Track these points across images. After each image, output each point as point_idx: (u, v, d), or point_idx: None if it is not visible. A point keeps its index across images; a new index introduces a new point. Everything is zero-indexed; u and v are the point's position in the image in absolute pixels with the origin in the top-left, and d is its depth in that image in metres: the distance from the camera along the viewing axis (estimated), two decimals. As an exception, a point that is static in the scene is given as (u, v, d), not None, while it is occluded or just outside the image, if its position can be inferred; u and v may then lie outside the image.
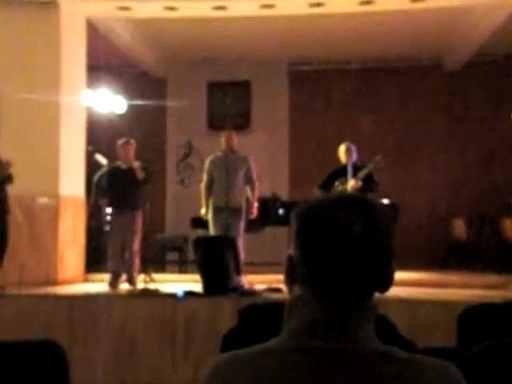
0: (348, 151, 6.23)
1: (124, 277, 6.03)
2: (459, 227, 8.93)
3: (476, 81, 9.62)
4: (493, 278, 6.45)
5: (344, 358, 0.89)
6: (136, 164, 5.96)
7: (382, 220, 0.93)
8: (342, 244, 0.90)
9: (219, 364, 0.94)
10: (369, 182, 6.07)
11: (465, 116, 9.71)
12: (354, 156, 6.24)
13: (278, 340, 0.94)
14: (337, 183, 6.16)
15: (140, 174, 5.91)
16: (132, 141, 6.15)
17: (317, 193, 6.12)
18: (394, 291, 1.04)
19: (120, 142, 6.13)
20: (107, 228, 6.10)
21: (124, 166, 6.03)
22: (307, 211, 0.95)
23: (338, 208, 0.92)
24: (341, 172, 6.20)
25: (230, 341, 1.91)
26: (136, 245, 5.95)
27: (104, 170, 6.20)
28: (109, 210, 6.10)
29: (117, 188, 5.93)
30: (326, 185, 6.19)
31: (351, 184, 6.06)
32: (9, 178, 5.57)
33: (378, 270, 0.92)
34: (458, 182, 9.59)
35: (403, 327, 1.97)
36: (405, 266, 6.88)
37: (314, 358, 0.89)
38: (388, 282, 0.95)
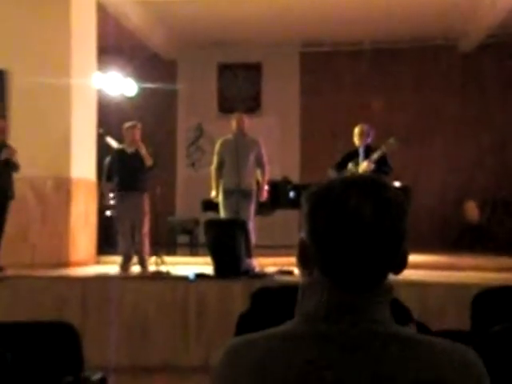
0: (361, 134, 6.15)
1: (135, 259, 6.06)
2: (472, 210, 8.87)
3: (490, 62, 9.48)
4: (505, 261, 6.42)
5: (360, 341, 0.88)
6: (143, 150, 5.94)
7: (394, 201, 0.91)
8: (353, 226, 0.89)
9: (233, 347, 0.94)
10: (382, 166, 5.99)
11: (478, 98, 9.58)
12: (369, 138, 6.14)
13: (292, 323, 0.93)
14: (350, 165, 6.11)
15: (149, 161, 5.92)
16: (138, 124, 6.13)
17: (331, 174, 6.08)
18: (406, 274, 1.02)
19: (126, 125, 6.11)
20: (114, 212, 6.11)
21: (130, 150, 6.02)
22: (318, 194, 0.93)
23: (349, 189, 0.91)
24: (355, 154, 6.14)
25: (244, 324, 1.91)
26: (145, 227, 5.98)
27: (115, 153, 6.23)
28: (111, 194, 6.09)
29: (123, 171, 5.95)
30: (341, 166, 6.14)
31: (363, 166, 6.01)
32: (14, 166, 5.57)
33: (391, 251, 0.91)
34: (471, 165, 9.51)
35: (415, 310, 1.96)
36: (417, 249, 6.85)
37: (329, 341, 0.89)
38: (402, 263, 0.93)
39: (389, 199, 0.91)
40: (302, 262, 0.96)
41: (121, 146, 6.13)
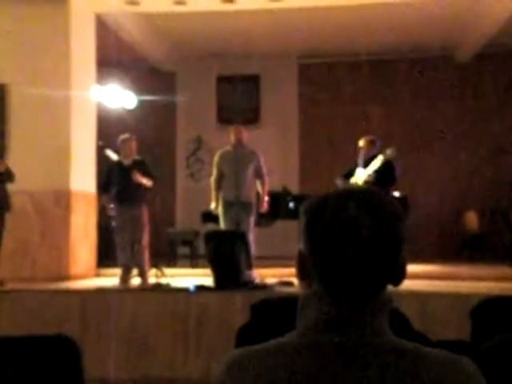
0: (361, 147, 6.14)
1: (135, 271, 6.05)
2: (471, 219, 8.88)
3: (487, 72, 9.53)
4: (505, 270, 6.41)
5: (358, 353, 0.88)
6: (139, 178, 5.91)
7: (390, 212, 0.92)
8: (350, 238, 0.89)
9: (233, 360, 0.94)
10: (384, 176, 5.92)
11: (476, 107, 9.62)
12: (371, 150, 6.09)
13: (292, 336, 0.93)
14: (360, 169, 6.05)
15: (147, 183, 5.95)
16: (133, 136, 6.17)
17: (339, 183, 6.09)
18: (406, 284, 1.03)
19: (121, 137, 6.16)
20: (113, 224, 6.12)
21: (126, 162, 6.05)
22: (315, 206, 0.94)
23: (346, 202, 0.91)
24: (364, 164, 6.09)
25: (244, 336, 1.91)
26: (145, 239, 5.98)
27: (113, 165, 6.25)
28: (111, 205, 6.11)
29: (120, 184, 5.97)
30: (347, 176, 6.14)
31: (364, 177, 5.96)
32: (8, 176, 5.54)
33: (388, 262, 0.91)
34: (470, 174, 9.52)
35: (415, 320, 1.96)
36: (417, 259, 6.86)
37: (328, 353, 0.89)
38: (400, 275, 0.94)
39: (385, 210, 0.92)
40: (301, 274, 0.96)
41: (118, 159, 6.15)
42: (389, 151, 5.96)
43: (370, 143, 6.12)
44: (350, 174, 6.13)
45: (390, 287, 0.95)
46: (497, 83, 9.50)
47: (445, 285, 5.58)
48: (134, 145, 6.12)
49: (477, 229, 8.79)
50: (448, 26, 8.39)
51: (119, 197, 6.00)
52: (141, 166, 6.02)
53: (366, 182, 5.85)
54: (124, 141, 6.11)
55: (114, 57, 8.25)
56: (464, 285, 5.58)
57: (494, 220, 8.83)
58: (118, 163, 6.10)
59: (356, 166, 6.14)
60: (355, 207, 0.91)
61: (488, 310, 2.09)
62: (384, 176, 5.87)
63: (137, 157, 6.12)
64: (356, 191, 0.96)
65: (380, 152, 6.04)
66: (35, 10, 6.57)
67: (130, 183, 5.91)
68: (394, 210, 0.93)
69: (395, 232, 0.92)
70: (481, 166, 9.54)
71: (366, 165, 6.04)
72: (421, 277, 5.78)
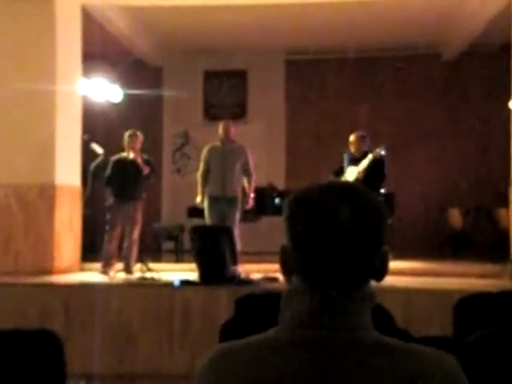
0: (351, 142, 6.16)
1: (121, 265, 6.05)
2: (455, 217, 8.96)
3: (473, 70, 9.60)
4: (488, 267, 6.48)
5: (341, 348, 0.89)
6: (139, 160, 6.01)
7: (371, 205, 0.93)
8: (330, 231, 0.90)
9: (215, 355, 0.94)
10: (374, 173, 5.91)
11: (461, 105, 9.70)
12: (361, 146, 6.10)
13: (275, 331, 0.94)
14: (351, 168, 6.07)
15: (145, 170, 6.02)
16: (139, 133, 6.27)
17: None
18: (389, 280, 1.04)
19: (127, 133, 6.25)
20: (107, 216, 6.15)
21: (129, 158, 6.08)
22: (295, 200, 0.95)
23: (326, 195, 0.92)
24: (354, 161, 6.10)
25: (228, 331, 1.92)
26: (135, 234, 6.04)
27: (100, 159, 6.25)
28: (110, 200, 6.16)
29: (120, 179, 6.05)
30: (338, 173, 6.16)
31: (355, 174, 5.99)
32: None
33: (369, 254, 0.92)
34: (454, 172, 9.60)
35: (399, 316, 1.98)
36: (401, 256, 6.90)
37: (311, 348, 0.89)
38: (382, 270, 0.95)
39: (366, 204, 0.92)
40: (284, 269, 0.97)
41: (121, 154, 6.20)
42: (379, 149, 5.99)
43: (361, 138, 6.15)
44: (341, 171, 6.15)
45: (373, 283, 0.96)
46: (482, 81, 9.57)
47: (428, 281, 5.63)
48: (138, 142, 6.17)
49: (460, 226, 8.87)
50: (433, 25, 8.43)
51: (117, 191, 6.05)
52: (146, 162, 6.09)
53: (356, 180, 5.87)
54: (128, 137, 6.16)
55: (101, 50, 8.18)
56: (447, 281, 5.63)
57: (478, 217, 8.91)
58: (121, 158, 6.14)
59: (345, 162, 6.17)
60: (336, 200, 0.91)
61: (470, 306, 2.12)
62: (373, 174, 5.91)
63: (144, 156, 6.17)
64: (337, 184, 0.97)
65: (370, 149, 6.07)
66: (20, 1, 6.49)
67: (129, 179, 5.96)
68: (375, 204, 0.94)
69: (376, 225, 0.92)
70: (465, 163, 9.62)
71: (356, 161, 6.06)
72: (404, 273, 5.83)
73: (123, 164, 6.08)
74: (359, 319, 0.92)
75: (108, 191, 6.28)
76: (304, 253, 0.92)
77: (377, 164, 5.95)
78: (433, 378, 0.87)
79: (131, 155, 6.07)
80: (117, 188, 6.08)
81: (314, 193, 0.94)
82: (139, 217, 6.07)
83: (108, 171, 6.24)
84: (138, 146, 6.16)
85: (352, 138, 6.18)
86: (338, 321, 0.91)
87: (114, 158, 6.26)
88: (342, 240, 0.90)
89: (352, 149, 6.16)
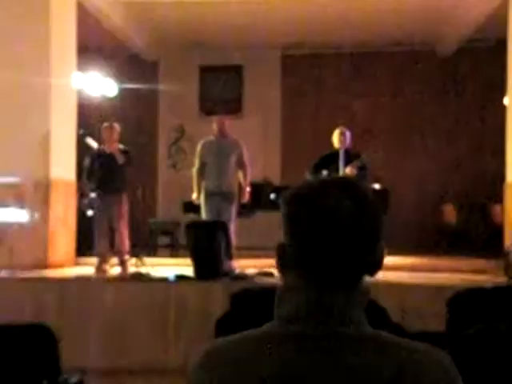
0: (341, 136, 6.20)
1: (115, 260, 6.03)
2: (449, 212, 8.98)
3: (468, 66, 9.62)
4: (482, 263, 6.50)
5: (335, 343, 0.90)
6: (116, 148, 5.93)
7: (370, 201, 0.94)
8: (330, 226, 0.90)
9: (210, 350, 0.94)
10: (362, 170, 6.06)
11: (457, 101, 9.71)
12: (348, 142, 6.23)
13: (270, 326, 0.94)
14: (324, 172, 6.13)
15: (120, 159, 5.89)
16: (116, 125, 6.11)
17: (308, 177, 6.11)
18: (384, 275, 1.04)
19: (104, 125, 6.11)
20: (92, 212, 6.09)
21: (108, 150, 6.00)
22: (294, 196, 0.95)
23: (325, 191, 0.93)
24: (334, 157, 6.18)
25: (223, 326, 1.92)
26: (124, 228, 5.96)
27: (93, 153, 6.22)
28: (92, 194, 6.07)
29: (101, 172, 5.93)
30: (318, 167, 6.17)
31: (347, 171, 6.03)
32: None
33: (367, 251, 0.93)
34: (449, 168, 9.63)
35: (393, 311, 1.99)
36: (395, 251, 6.91)
37: (306, 342, 0.90)
38: (377, 264, 0.95)
39: (366, 199, 0.93)
40: (281, 266, 0.97)
41: (100, 147, 6.11)
42: (364, 159, 6.09)
43: (340, 135, 6.20)
44: (320, 166, 6.17)
45: (367, 278, 0.96)
46: (478, 78, 9.58)
47: (422, 276, 5.65)
48: (115, 134, 6.06)
49: (455, 222, 8.90)
50: (429, 21, 8.43)
51: (100, 185, 5.97)
52: (123, 152, 5.97)
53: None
54: (105, 129, 6.06)
55: (96, 44, 8.16)
56: (441, 276, 5.66)
57: (472, 213, 8.94)
58: (100, 151, 6.05)
59: (327, 158, 6.21)
60: (335, 195, 0.92)
61: (463, 301, 2.13)
62: (361, 169, 6.05)
63: (121, 146, 6.06)
64: (335, 180, 0.97)
65: (354, 147, 6.19)
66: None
67: (111, 172, 5.88)
68: (373, 199, 0.95)
69: (374, 221, 0.93)
70: (460, 159, 9.64)
71: (345, 159, 6.12)
72: (399, 268, 5.85)
73: (102, 157, 5.97)
74: (354, 314, 0.92)
75: (88, 186, 6.18)
76: (304, 249, 0.92)
77: (362, 170, 6.08)
78: (425, 373, 0.88)
79: (108, 148, 5.95)
80: (98, 182, 5.96)
81: (313, 189, 0.94)
82: (125, 209, 5.96)
83: (87, 165, 6.12)
84: (115, 137, 6.02)
85: (337, 132, 6.25)
86: (334, 316, 0.91)
87: (92, 151, 6.15)
88: (342, 235, 0.91)
89: (337, 144, 6.21)
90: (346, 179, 0.98)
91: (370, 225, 0.92)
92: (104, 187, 5.92)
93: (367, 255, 0.93)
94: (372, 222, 0.93)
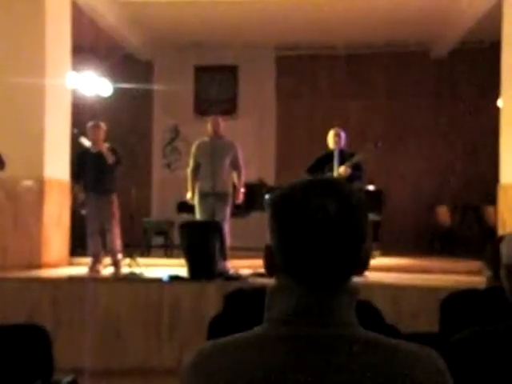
0: (336, 137, 6.22)
1: (108, 261, 6.01)
2: (443, 214, 9.01)
3: (463, 68, 9.65)
4: (475, 264, 6.52)
5: (328, 344, 0.90)
6: (104, 147, 5.89)
7: (356, 201, 0.93)
8: (317, 227, 0.90)
9: (201, 353, 0.94)
10: (356, 170, 6.08)
11: (451, 103, 9.75)
12: (343, 142, 6.24)
13: (261, 328, 0.94)
14: (325, 170, 6.16)
15: (110, 158, 5.85)
16: (102, 124, 6.05)
17: (305, 177, 6.12)
18: (378, 277, 1.05)
19: (89, 124, 6.04)
20: (83, 212, 6.06)
21: (94, 150, 5.95)
22: (279, 197, 0.95)
23: (310, 191, 0.93)
24: (329, 158, 6.20)
25: (217, 326, 1.92)
26: (115, 228, 5.93)
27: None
28: (82, 194, 6.04)
29: (88, 172, 5.88)
30: (314, 169, 6.19)
31: (341, 171, 6.06)
32: None
33: (354, 250, 0.93)
34: (443, 170, 9.66)
35: (387, 312, 1.99)
36: (389, 252, 6.94)
37: (296, 344, 0.90)
38: (363, 264, 0.95)
39: (350, 199, 0.93)
40: (269, 268, 0.97)
41: (87, 147, 6.07)
42: (358, 157, 6.09)
43: (335, 136, 6.22)
44: (317, 167, 6.19)
45: (357, 279, 0.96)
46: (473, 79, 9.62)
47: (416, 278, 5.66)
48: (101, 133, 5.98)
49: (449, 223, 8.93)
50: (423, 22, 8.45)
51: (89, 185, 5.94)
52: (111, 151, 5.91)
53: (342, 177, 5.95)
54: (90, 128, 6.00)
55: (90, 44, 8.14)
56: (434, 278, 5.67)
57: (466, 215, 8.97)
58: (86, 151, 6.02)
59: (322, 159, 6.23)
60: (321, 196, 0.92)
61: (456, 302, 2.14)
62: (355, 170, 6.05)
63: (107, 145, 6.00)
64: (321, 181, 0.97)
65: (349, 148, 6.20)
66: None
67: (99, 171, 5.83)
68: (359, 199, 0.94)
69: (360, 221, 0.93)
70: (455, 161, 9.68)
71: (340, 159, 6.12)
72: (393, 269, 5.86)
73: (89, 157, 5.91)
74: (345, 315, 0.92)
75: (77, 187, 6.14)
76: (290, 250, 0.92)
77: (356, 168, 6.08)
78: (418, 374, 0.88)
79: (95, 147, 5.89)
80: (87, 182, 5.91)
81: (299, 190, 0.94)
82: (115, 209, 5.93)
83: (76, 167, 6.08)
84: (102, 136, 5.95)
85: (332, 133, 6.28)
86: (325, 317, 0.91)
87: (79, 151, 6.10)
88: (328, 236, 0.91)
89: (331, 145, 6.23)
90: (331, 180, 0.98)
91: (355, 225, 0.92)
92: (94, 187, 5.89)
93: (354, 255, 0.93)
94: (357, 223, 0.92)
